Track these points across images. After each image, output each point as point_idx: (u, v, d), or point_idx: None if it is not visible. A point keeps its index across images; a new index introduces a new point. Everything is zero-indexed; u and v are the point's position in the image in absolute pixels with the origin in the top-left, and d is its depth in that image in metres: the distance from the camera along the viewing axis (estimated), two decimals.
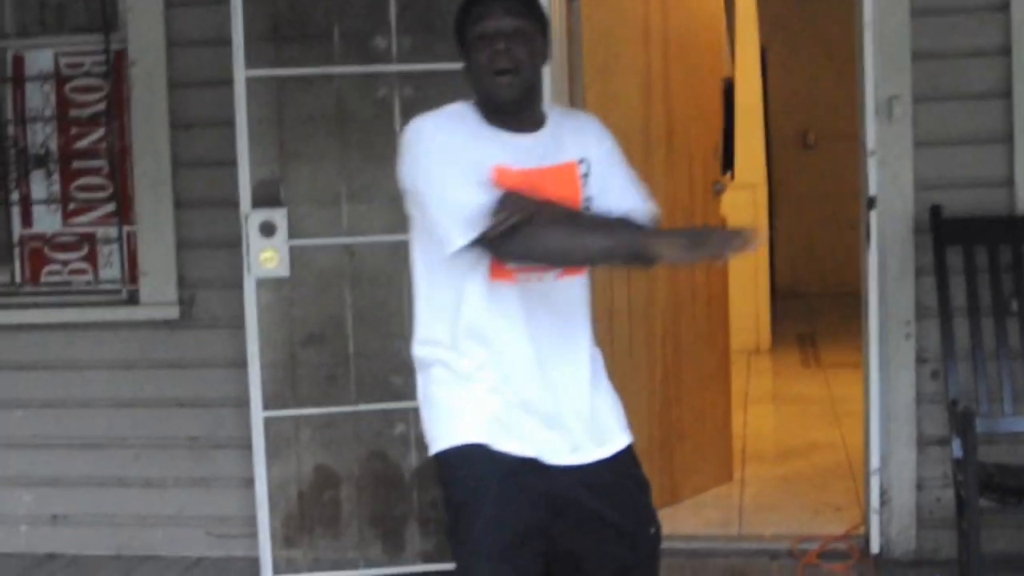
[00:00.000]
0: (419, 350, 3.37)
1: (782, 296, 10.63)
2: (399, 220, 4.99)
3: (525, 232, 3.13)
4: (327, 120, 5.08)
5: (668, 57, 5.88)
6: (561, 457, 3.30)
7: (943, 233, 4.99)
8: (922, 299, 5.10)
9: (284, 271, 5.01)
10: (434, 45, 5.02)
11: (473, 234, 3.15)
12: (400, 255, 5.07)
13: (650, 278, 5.76)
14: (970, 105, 5.05)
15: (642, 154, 5.59)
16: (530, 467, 3.25)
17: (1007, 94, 5.03)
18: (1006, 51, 5.03)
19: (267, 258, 4.98)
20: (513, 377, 3.27)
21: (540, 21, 3.36)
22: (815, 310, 11.55)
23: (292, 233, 5.00)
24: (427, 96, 5.00)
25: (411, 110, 5.00)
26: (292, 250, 5.00)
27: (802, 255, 12.12)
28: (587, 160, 3.37)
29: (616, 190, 3.38)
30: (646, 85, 5.82)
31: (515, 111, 3.31)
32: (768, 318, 9.94)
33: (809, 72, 12.35)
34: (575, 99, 5.53)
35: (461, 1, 3.36)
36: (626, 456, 3.41)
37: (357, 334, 5.10)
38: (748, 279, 9.40)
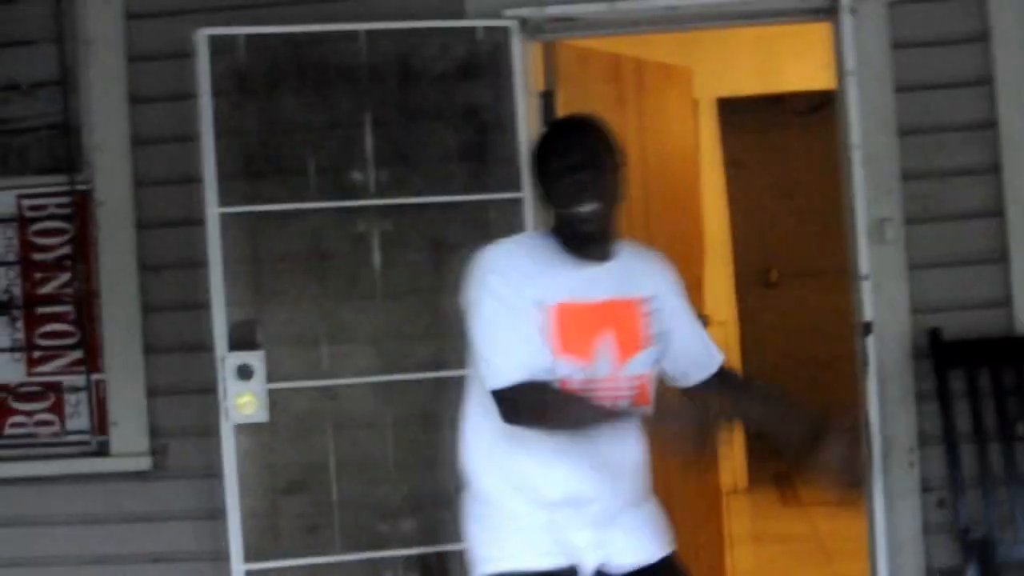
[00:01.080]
0: (468, 463, 3.42)
1: (753, 435, 10.45)
2: (381, 360, 4.93)
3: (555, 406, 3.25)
4: (304, 257, 4.92)
5: (648, 187, 5.75)
6: (606, 558, 3.37)
7: (943, 357, 4.87)
8: (924, 425, 4.95)
9: (263, 416, 4.80)
10: (411, 177, 4.92)
11: (514, 379, 3.23)
12: (382, 396, 4.92)
13: None
14: (962, 225, 4.96)
15: None
16: None
17: (999, 213, 4.95)
18: (996, 169, 4.96)
19: (245, 403, 4.78)
20: (572, 479, 3.33)
21: (617, 162, 3.43)
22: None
23: (270, 376, 4.80)
24: (406, 230, 4.91)
25: (390, 244, 4.92)
26: (271, 394, 4.80)
27: None
28: (656, 297, 3.48)
29: (684, 331, 3.57)
30: (627, 216, 5.69)
31: (593, 241, 3.39)
32: (744, 457, 9.77)
33: (769, 211, 12.32)
34: None
35: (541, 133, 3.50)
36: (670, 568, 3.50)
37: (340, 480, 4.89)
38: None
